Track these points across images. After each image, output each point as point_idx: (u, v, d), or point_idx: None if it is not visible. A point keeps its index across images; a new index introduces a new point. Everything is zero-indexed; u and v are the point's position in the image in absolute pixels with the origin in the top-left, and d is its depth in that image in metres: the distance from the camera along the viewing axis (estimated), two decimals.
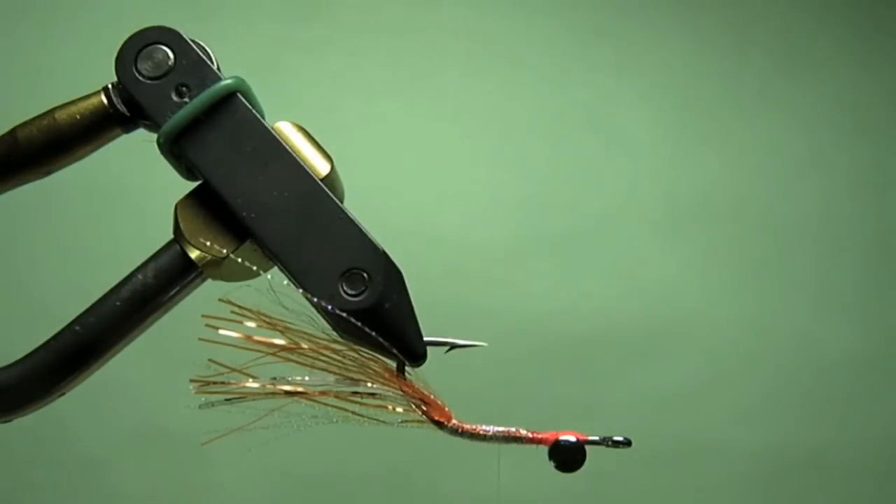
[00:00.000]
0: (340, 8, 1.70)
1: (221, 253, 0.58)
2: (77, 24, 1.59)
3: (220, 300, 0.57)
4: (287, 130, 0.60)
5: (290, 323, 0.58)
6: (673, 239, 1.72)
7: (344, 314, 0.56)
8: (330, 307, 0.56)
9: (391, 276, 0.57)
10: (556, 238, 1.69)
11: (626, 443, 0.59)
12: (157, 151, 0.59)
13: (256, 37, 1.64)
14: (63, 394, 0.59)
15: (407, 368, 0.59)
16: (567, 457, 0.58)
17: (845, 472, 1.67)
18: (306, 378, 0.59)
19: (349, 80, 1.67)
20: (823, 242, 1.75)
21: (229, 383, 0.58)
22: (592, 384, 1.63)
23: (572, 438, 0.59)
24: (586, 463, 0.59)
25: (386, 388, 0.59)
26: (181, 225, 0.58)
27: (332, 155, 0.60)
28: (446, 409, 0.59)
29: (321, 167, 0.59)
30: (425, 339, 0.58)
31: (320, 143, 0.60)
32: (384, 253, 0.58)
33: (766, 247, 1.74)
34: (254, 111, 0.59)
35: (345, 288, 0.57)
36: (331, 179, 0.59)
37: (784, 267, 1.74)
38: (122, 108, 0.60)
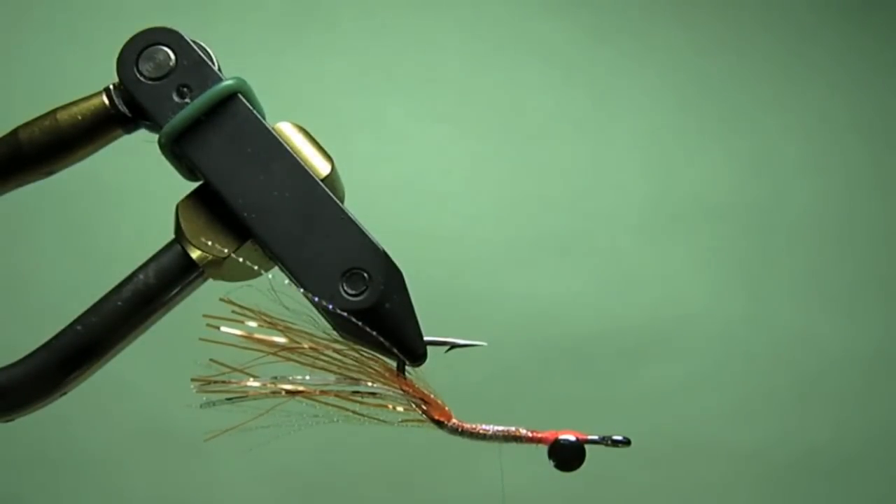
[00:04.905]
0: (341, 9, 1.70)
1: (223, 253, 0.58)
2: (79, 25, 1.59)
3: (221, 300, 0.57)
4: (288, 131, 0.60)
5: (290, 323, 0.58)
6: (672, 238, 1.72)
7: (344, 314, 0.56)
8: (331, 307, 0.57)
9: (391, 276, 0.57)
10: (555, 238, 1.69)
11: (626, 442, 0.59)
12: (159, 152, 0.59)
13: (257, 38, 1.65)
14: (65, 393, 0.59)
15: (407, 368, 0.59)
16: (567, 456, 0.58)
17: (844, 471, 1.67)
18: (307, 377, 0.59)
19: (350, 81, 1.68)
20: (821, 241, 1.75)
21: (230, 382, 0.59)
22: (592, 383, 1.63)
23: (572, 438, 0.59)
24: (586, 462, 0.59)
25: (386, 387, 0.59)
26: (182, 225, 0.58)
27: (333, 155, 0.60)
28: (446, 408, 0.60)
29: (322, 167, 0.59)
30: (425, 338, 0.58)
31: (321, 143, 0.60)
32: (384, 253, 0.58)
33: (765, 246, 1.74)
34: (255, 112, 0.59)
35: (345, 288, 0.57)
36: (331, 180, 0.59)
37: (782, 266, 1.74)
38: (123, 108, 0.61)
